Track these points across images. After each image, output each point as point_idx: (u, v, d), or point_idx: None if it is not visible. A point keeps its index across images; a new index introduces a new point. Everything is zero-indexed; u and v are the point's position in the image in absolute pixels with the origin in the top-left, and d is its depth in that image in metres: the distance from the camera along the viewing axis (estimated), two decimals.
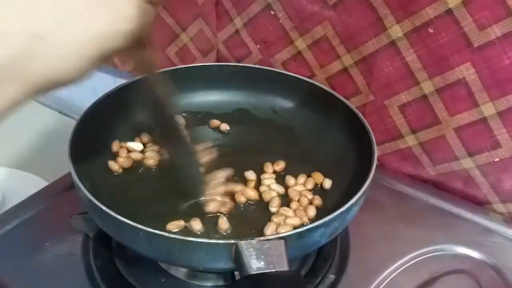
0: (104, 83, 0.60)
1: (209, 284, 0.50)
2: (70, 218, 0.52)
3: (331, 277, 0.51)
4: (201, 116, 0.63)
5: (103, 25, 0.29)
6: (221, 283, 0.49)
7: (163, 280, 0.50)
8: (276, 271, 0.36)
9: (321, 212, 0.43)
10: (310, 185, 0.53)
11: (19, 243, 0.54)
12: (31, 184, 0.67)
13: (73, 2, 0.28)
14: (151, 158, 0.56)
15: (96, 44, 0.29)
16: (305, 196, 0.51)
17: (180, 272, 0.50)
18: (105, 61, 0.31)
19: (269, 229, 0.47)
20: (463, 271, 0.52)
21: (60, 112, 0.94)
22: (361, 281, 0.51)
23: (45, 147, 0.80)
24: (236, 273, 0.46)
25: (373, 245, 0.55)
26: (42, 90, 0.29)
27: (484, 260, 0.54)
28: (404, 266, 0.52)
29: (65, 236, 0.54)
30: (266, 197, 0.51)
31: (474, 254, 0.54)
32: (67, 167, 0.46)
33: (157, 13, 0.70)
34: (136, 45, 0.33)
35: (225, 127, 0.62)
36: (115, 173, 0.54)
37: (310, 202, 0.51)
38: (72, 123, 0.51)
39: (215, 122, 0.62)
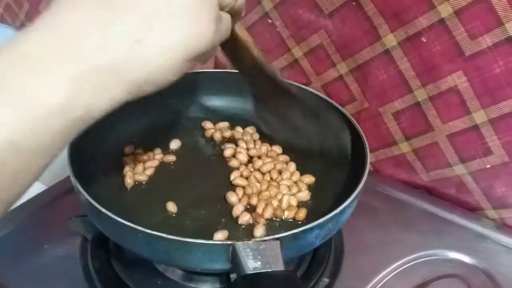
0: None
1: (205, 286, 0.50)
2: (69, 221, 0.53)
3: (325, 280, 0.51)
4: (197, 122, 0.63)
5: (187, 31, 0.32)
6: (217, 285, 0.50)
7: (159, 282, 0.50)
8: (272, 271, 0.37)
9: (316, 214, 0.44)
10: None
11: (18, 246, 0.54)
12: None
13: (164, 10, 0.31)
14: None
15: (183, 47, 0.32)
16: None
17: (177, 275, 0.51)
18: (198, 63, 0.35)
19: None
20: (455, 275, 0.53)
21: None
22: (354, 285, 0.52)
23: None
24: (232, 275, 0.47)
25: (367, 249, 0.56)
26: (142, 91, 0.32)
27: (476, 265, 0.54)
28: (397, 271, 0.53)
29: (63, 238, 0.54)
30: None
31: (466, 259, 0.55)
32: (65, 171, 0.47)
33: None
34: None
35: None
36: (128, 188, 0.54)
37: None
38: None
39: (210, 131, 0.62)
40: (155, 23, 0.31)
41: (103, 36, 0.30)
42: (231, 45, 0.45)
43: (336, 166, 0.55)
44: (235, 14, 0.39)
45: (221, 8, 0.36)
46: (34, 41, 0.29)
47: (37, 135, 0.27)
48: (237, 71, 0.52)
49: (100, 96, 0.30)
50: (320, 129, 0.55)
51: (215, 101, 0.65)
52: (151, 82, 0.32)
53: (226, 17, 0.37)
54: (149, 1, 0.31)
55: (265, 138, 0.61)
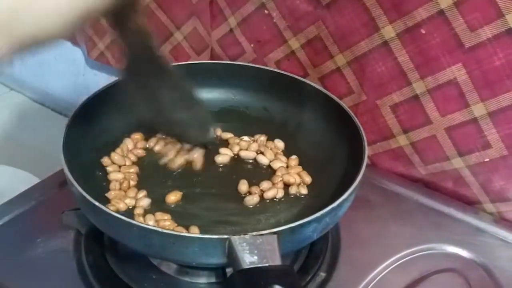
0: (98, 81, 0.60)
1: (200, 280, 0.50)
2: (62, 214, 0.52)
3: (322, 274, 0.51)
4: None
5: None
6: (212, 280, 0.50)
7: (154, 276, 0.50)
8: (269, 265, 0.36)
9: (313, 208, 0.44)
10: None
11: (11, 239, 0.54)
12: (22, 180, 0.67)
13: None
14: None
15: (76, 3, 0.30)
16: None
17: (172, 269, 0.50)
18: (91, 21, 0.32)
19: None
20: (453, 269, 0.53)
21: (53, 110, 0.94)
22: (351, 279, 0.51)
23: (36, 144, 0.80)
24: (228, 270, 0.46)
25: (364, 243, 0.55)
26: (28, 46, 0.30)
27: (473, 259, 0.54)
28: (395, 265, 0.53)
29: (56, 232, 0.54)
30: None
31: (464, 253, 0.55)
32: (59, 164, 0.46)
33: (152, 11, 0.71)
34: (122, 10, 0.35)
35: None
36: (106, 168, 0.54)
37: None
38: (63, 120, 0.51)
39: None
40: None
41: None
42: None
43: (333, 160, 0.55)
44: None
45: None
46: None
47: None
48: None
49: None
50: (187, 120, 0.54)
51: (212, 94, 0.64)
52: (40, 39, 0.30)
53: None
54: None
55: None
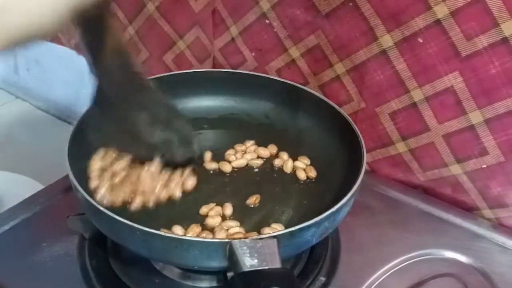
0: None
1: (202, 285, 0.50)
2: (67, 219, 0.53)
3: (322, 279, 0.51)
4: (195, 122, 0.63)
5: None
6: (214, 284, 0.50)
7: (157, 280, 0.50)
8: (269, 268, 0.37)
9: (313, 213, 0.44)
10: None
11: (16, 244, 0.55)
12: (27, 187, 0.68)
13: None
14: None
15: None
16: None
17: (174, 273, 0.51)
18: (79, 16, 0.33)
19: None
20: (451, 275, 0.53)
21: (57, 118, 0.95)
22: (351, 284, 0.52)
23: (41, 151, 0.81)
24: (229, 274, 0.47)
25: (364, 248, 0.56)
26: (19, 42, 0.31)
27: (471, 264, 0.55)
28: (394, 270, 0.53)
29: (61, 237, 0.54)
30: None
31: (462, 258, 0.55)
32: (63, 171, 0.47)
33: (155, 21, 0.72)
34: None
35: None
36: None
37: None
38: (68, 128, 0.52)
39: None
40: None
41: None
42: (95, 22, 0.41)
43: (333, 166, 0.55)
44: None
45: None
46: None
47: None
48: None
49: None
50: (169, 137, 0.51)
51: (214, 102, 0.65)
52: (31, 34, 0.31)
53: None
54: None
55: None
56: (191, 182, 0.53)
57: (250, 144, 0.61)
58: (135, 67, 0.48)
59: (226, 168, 0.58)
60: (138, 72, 0.49)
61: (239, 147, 0.60)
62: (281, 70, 0.68)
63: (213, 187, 0.55)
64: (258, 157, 0.60)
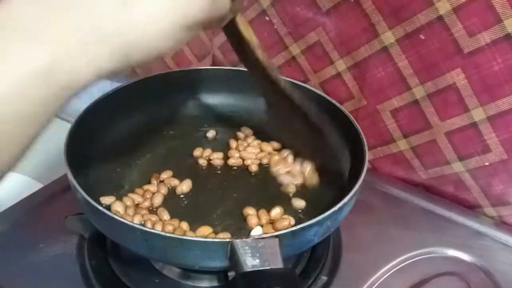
0: (100, 87, 0.60)
1: (202, 284, 0.50)
2: (65, 219, 0.52)
3: (323, 278, 0.51)
4: (194, 119, 0.63)
5: None
6: (215, 283, 0.50)
7: (157, 280, 0.50)
8: (271, 268, 0.37)
9: (314, 212, 0.44)
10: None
11: (14, 244, 0.54)
12: (25, 186, 0.67)
13: None
14: None
15: (173, 13, 0.31)
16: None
17: (174, 273, 0.50)
18: (195, 32, 0.33)
19: None
20: (454, 273, 0.53)
21: (56, 116, 0.95)
22: (352, 283, 0.52)
23: (39, 150, 0.80)
24: (230, 273, 0.46)
25: (365, 247, 0.55)
26: (129, 59, 0.31)
27: (474, 262, 0.54)
28: (396, 268, 0.53)
29: (60, 237, 0.54)
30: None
31: (465, 256, 0.55)
32: (61, 170, 0.46)
33: None
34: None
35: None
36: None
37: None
38: (66, 126, 0.51)
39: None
40: None
41: None
42: (236, 40, 0.44)
43: (334, 165, 0.55)
44: None
45: None
46: (17, 4, 0.28)
47: (17, 103, 0.26)
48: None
49: (85, 63, 0.28)
50: (319, 146, 0.53)
51: (213, 99, 0.65)
52: (139, 49, 0.31)
53: None
54: None
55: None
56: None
57: (251, 140, 0.61)
58: (275, 79, 0.49)
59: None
60: (279, 84, 0.50)
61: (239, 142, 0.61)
62: (281, 67, 0.68)
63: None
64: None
